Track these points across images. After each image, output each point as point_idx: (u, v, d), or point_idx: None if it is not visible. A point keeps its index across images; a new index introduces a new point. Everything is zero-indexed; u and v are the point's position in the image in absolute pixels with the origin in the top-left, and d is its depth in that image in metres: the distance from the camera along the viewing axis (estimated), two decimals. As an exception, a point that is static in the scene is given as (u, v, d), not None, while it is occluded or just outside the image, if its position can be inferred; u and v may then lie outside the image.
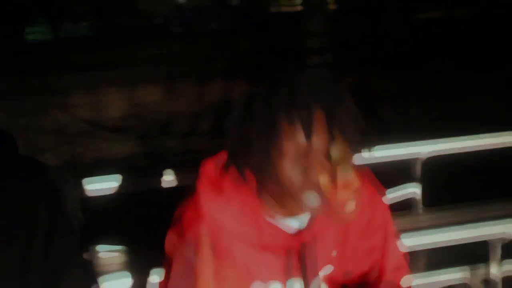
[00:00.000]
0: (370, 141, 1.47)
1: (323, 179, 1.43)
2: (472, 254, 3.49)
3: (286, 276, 1.60)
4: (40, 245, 1.57)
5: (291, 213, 1.56)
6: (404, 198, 3.69)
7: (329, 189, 1.44)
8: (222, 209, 1.55)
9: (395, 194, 3.69)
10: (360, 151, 1.47)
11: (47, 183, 1.68)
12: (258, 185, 1.51)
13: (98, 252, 3.01)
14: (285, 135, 1.42)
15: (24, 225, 1.57)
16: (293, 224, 1.59)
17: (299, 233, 1.59)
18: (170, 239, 1.60)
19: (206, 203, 1.56)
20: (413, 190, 3.70)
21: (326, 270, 1.67)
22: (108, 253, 3.05)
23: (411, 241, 3.27)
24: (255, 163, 1.47)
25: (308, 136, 1.40)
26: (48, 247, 1.58)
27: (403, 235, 3.20)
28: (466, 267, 3.47)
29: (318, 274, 1.65)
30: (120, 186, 3.15)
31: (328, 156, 1.43)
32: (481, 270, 3.42)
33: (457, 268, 3.48)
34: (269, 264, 1.58)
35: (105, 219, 4.24)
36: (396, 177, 3.72)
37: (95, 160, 6.86)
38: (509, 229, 3.25)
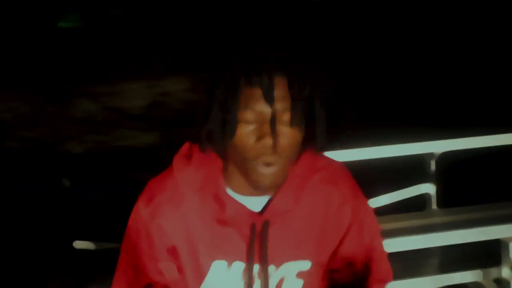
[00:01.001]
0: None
1: (275, 146, 1.47)
2: (485, 254, 3.47)
3: (249, 256, 1.60)
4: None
5: (253, 193, 1.57)
6: (417, 195, 3.69)
7: (282, 156, 1.48)
8: (185, 180, 1.59)
9: (408, 192, 3.69)
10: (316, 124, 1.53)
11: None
12: (221, 158, 1.57)
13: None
14: (245, 100, 1.47)
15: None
16: (255, 203, 1.60)
17: (262, 211, 1.60)
18: (134, 208, 1.63)
19: (175, 174, 1.60)
20: (426, 188, 3.69)
21: (303, 266, 1.64)
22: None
23: (423, 240, 3.28)
24: (216, 131, 1.51)
25: (269, 98, 1.45)
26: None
27: (416, 233, 3.25)
28: (478, 267, 3.44)
29: (281, 262, 1.63)
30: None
31: (286, 123, 1.48)
32: (493, 270, 3.40)
33: (469, 268, 3.46)
34: (232, 241, 1.59)
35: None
36: (411, 176, 3.71)
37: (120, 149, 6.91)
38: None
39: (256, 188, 1.54)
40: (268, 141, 1.47)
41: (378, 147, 3.41)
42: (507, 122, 3.92)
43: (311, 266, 1.65)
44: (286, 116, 1.49)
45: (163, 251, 1.59)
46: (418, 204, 3.70)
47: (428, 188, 3.68)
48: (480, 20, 11.60)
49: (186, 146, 1.65)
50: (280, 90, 1.47)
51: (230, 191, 1.59)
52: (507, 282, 3.29)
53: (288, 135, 1.50)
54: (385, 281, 1.74)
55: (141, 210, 1.61)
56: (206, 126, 1.52)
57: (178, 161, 1.62)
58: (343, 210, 1.66)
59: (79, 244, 3.00)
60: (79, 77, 9.72)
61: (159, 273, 1.60)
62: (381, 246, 1.76)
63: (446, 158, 3.66)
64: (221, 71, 1.51)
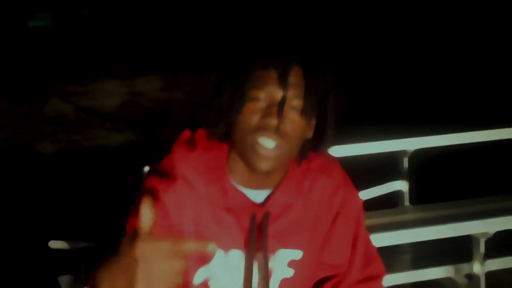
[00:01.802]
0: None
1: (279, 128, 1.47)
2: (457, 250, 3.52)
3: (249, 246, 1.60)
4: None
5: (255, 185, 1.59)
6: (390, 192, 3.72)
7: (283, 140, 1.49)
8: (191, 164, 1.58)
9: (381, 189, 3.72)
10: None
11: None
12: (226, 152, 1.57)
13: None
14: (258, 80, 1.48)
15: None
16: (257, 196, 1.61)
17: (263, 203, 1.61)
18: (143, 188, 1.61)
19: (177, 157, 1.60)
20: (399, 185, 3.73)
21: (294, 255, 1.66)
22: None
23: (396, 236, 3.31)
24: (224, 108, 1.52)
25: (283, 80, 1.47)
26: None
27: (389, 230, 3.28)
28: (450, 263, 3.49)
29: (276, 252, 1.64)
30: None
31: (296, 109, 1.49)
32: (464, 266, 3.45)
33: (441, 264, 3.50)
34: (231, 230, 1.59)
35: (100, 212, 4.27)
36: (384, 173, 3.75)
37: (92, 148, 6.88)
38: (491, 226, 3.28)
39: (254, 170, 1.53)
40: (273, 121, 1.47)
41: (350, 145, 3.43)
42: (480, 119, 3.96)
43: (303, 256, 1.66)
44: (296, 103, 1.49)
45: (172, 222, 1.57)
46: (391, 201, 3.74)
47: (401, 185, 3.72)
48: (465, 19, 11.69)
49: (186, 134, 1.65)
50: (295, 77, 1.48)
51: (233, 183, 1.60)
52: (478, 278, 3.33)
53: (295, 122, 1.51)
54: (378, 277, 1.76)
55: (152, 187, 1.58)
56: (216, 103, 1.53)
57: (179, 147, 1.62)
58: (334, 198, 1.68)
59: (54, 244, 2.98)
60: (50, 77, 9.64)
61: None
62: (368, 239, 1.78)
63: (419, 156, 3.70)
64: (238, 52, 1.52)
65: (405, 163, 3.71)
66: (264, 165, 1.51)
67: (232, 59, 1.53)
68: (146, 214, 1.19)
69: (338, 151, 3.43)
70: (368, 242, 1.77)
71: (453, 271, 3.45)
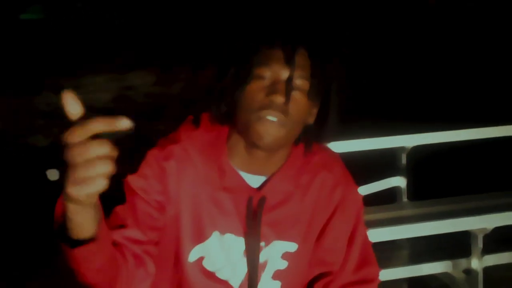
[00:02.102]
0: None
1: (284, 105, 1.48)
2: (453, 245, 3.56)
3: (245, 229, 1.60)
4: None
5: (253, 170, 1.59)
6: (388, 188, 3.75)
7: (288, 118, 1.49)
8: (193, 141, 1.59)
9: (380, 185, 3.75)
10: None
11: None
12: (226, 133, 1.58)
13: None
14: (264, 58, 1.49)
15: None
16: (254, 181, 1.61)
17: (260, 187, 1.61)
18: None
19: (183, 135, 1.60)
20: (397, 181, 3.76)
21: (289, 248, 1.65)
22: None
23: (394, 232, 3.34)
24: (229, 85, 1.52)
25: (289, 59, 1.47)
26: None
27: (387, 225, 3.30)
28: (447, 258, 3.52)
29: (271, 241, 1.63)
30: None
31: (302, 90, 1.49)
32: (462, 261, 3.48)
33: (439, 259, 3.53)
34: (228, 211, 1.59)
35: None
36: (382, 169, 3.78)
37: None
38: (490, 221, 3.31)
39: (256, 147, 1.53)
40: (279, 98, 1.47)
41: (349, 141, 3.45)
42: (478, 117, 4.00)
43: (297, 249, 1.64)
44: (302, 83, 1.49)
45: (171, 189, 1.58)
46: (389, 197, 3.77)
47: (399, 181, 3.75)
48: (465, 19, 11.74)
49: (190, 117, 1.65)
50: (301, 58, 1.49)
51: (232, 165, 1.60)
52: (476, 273, 3.37)
53: (299, 102, 1.50)
54: (372, 281, 1.71)
55: (155, 153, 1.59)
56: (221, 82, 1.53)
57: (185, 126, 1.63)
58: (333, 194, 1.66)
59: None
60: (42, 70, 9.61)
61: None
62: (366, 236, 1.73)
63: (417, 152, 3.73)
64: (243, 31, 1.53)
65: (403, 160, 3.75)
66: (266, 140, 1.50)
67: (238, 38, 1.53)
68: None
69: (338, 147, 3.47)
70: (366, 243, 1.73)
71: (451, 266, 3.49)
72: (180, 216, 1.58)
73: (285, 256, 1.64)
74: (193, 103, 7.90)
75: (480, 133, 3.63)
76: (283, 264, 1.64)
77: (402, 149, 3.70)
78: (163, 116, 7.67)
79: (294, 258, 1.65)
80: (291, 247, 1.64)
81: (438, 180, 4.72)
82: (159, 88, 9.18)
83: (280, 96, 1.47)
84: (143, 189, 1.56)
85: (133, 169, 1.62)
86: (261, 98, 1.49)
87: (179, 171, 1.57)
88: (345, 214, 1.68)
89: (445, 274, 3.54)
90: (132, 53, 10.80)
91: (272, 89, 1.48)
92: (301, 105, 1.50)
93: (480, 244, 3.34)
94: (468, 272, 3.43)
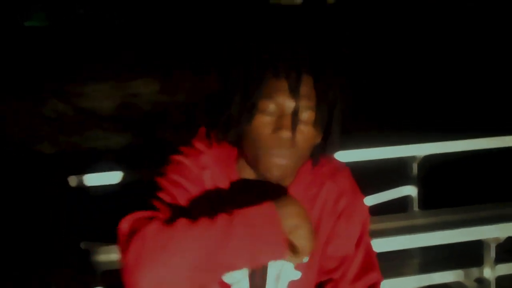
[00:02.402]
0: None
1: (291, 140, 1.48)
2: (464, 254, 3.55)
3: None
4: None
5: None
6: (399, 197, 3.75)
7: (296, 151, 1.50)
8: (207, 160, 1.60)
9: (390, 194, 3.75)
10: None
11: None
12: (236, 147, 1.59)
13: (95, 246, 3.03)
14: (268, 90, 1.48)
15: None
16: None
17: None
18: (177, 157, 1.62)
19: (197, 151, 1.61)
20: (408, 190, 3.75)
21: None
22: (105, 248, 3.07)
23: (405, 241, 3.33)
24: (234, 117, 1.52)
25: (294, 91, 1.46)
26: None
27: (398, 234, 3.30)
28: (459, 267, 3.52)
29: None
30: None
31: (307, 121, 1.49)
32: (474, 270, 3.48)
33: (451, 268, 3.53)
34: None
35: (102, 212, 4.27)
36: (394, 178, 3.78)
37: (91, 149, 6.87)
38: (503, 231, 3.31)
39: (265, 178, 1.56)
40: (286, 134, 1.48)
41: (360, 150, 3.45)
42: (490, 126, 4.00)
43: (308, 259, 1.65)
44: (308, 115, 1.50)
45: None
46: (400, 206, 3.77)
47: (410, 191, 3.75)
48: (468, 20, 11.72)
49: (202, 131, 1.66)
50: (306, 87, 1.48)
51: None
52: (488, 282, 3.37)
53: (307, 133, 1.52)
54: (375, 286, 1.73)
55: (189, 161, 1.59)
56: (225, 112, 1.53)
57: (198, 142, 1.64)
58: (338, 203, 1.69)
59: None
60: (47, 77, 9.62)
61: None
62: (370, 246, 1.76)
63: (428, 161, 3.73)
64: (247, 60, 1.51)
65: (415, 169, 3.74)
66: (275, 173, 1.53)
67: (240, 69, 1.52)
68: None
69: (348, 156, 3.47)
70: (370, 251, 1.76)
71: (463, 275, 3.49)
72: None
73: (298, 267, 1.66)
74: (197, 111, 7.94)
75: (491, 142, 3.62)
76: (296, 275, 1.66)
77: (413, 158, 3.70)
78: (169, 124, 7.68)
79: (306, 268, 1.67)
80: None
81: (449, 189, 4.72)
82: (163, 96, 9.19)
83: (286, 131, 1.48)
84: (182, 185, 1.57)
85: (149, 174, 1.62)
86: (267, 133, 1.50)
87: (199, 189, 1.59)
88: (349, 222, 1.71)
89: (457, 283, 3.53)
90: (135, 60, 10.81)
91: (278, 125, 1.49)
92: (308, 135, 1.53)
93: (493, 253, 3.33)
94: (481, 281, 3.43)
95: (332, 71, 1.52)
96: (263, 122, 1.50)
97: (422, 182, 3.77)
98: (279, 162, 1.51)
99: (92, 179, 3.14)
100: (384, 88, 8.76)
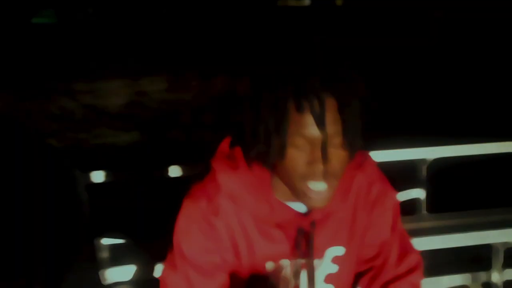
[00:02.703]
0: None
1: (327, 169, 1.48)
2: (472, 258, 3.55)
3: (294, 253, 1.66)
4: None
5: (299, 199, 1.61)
6: (407, 200, 3.75)
7: (332, 179, 1.51)
8: (237, 183, 1.61)
9: (399, 197, 3.74)
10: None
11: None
12: (268, 172, 1.60)
13: (103, 243, 3.04)
14: (294, 125, 1.47)
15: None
16: (301, 206, 1.64)
17: (309, 212, 1.65)
18: (188, 206, 1.64)
19: (221, 176, 1.62)
20: (417, 193, 3.76)
21: (338, 252, 1.71)
22: (112, 244, 3.08)
23: (414, 244, 3.32)
24: (263, 154, 1.53)
25: (320, 124, 1.45)
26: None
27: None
28: (466, 271, 3.52)
29: (324, 253, 1.69)
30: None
31: (337, 145, 1.48)
32: (481, 274, 3.48)
33: (459, 272, 3.53)
34: (281, 242, 1.65)
35: (109, 210, 4.28)
36: (402, 181, 3.78)
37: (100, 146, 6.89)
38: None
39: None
40: (319, 166, 1.48)
41: (370, 153, 3.45)
42: (500, 130, 4.00)
43: (345, 252, 1.72)
44: (337, 140, 1.49)
45: (226, 244, 1.63)
46: (408, 209, 3.77)
47: (419, 193, 3.76)
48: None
49: (225, 147, 1.67)
50: (330, 113, 1.46)
51: (278, 198, 1.63)
52: (496, 286, 3.37)
53: (339, 157, 1.51)
54: (416, 267, 1.80)
55: (201, 207, 1.62)
56: (255, 147, 1.53)
57: (220, 165, 1.64)
58: (370, 192, 1.73)
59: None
60: (56, 74, 9.65)
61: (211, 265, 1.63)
62: (403, 229, 1.83)
63: (437, 165, 3.73)
64: (266, 91, 1.48)
65: (424, 172, 3.75)
66: (319, 205, 1.54)
67: (261, 101, 1.49)
68: None
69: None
70: (404, 232, 1.83)
71: (471, 279, 3.49)
72: (240, 256, 1.65)
73: (335, 260, 1.72)
74: (205, 110, 7.95)
75: (501, 147, 3.63)
76: (334, 268, 1.73)
77: (423, 161, 3.70)
78: (177, 122, 7.70)
79: (344, 261, 1.73)
80: (339, 251, 1.72)
81: (458, 193, 4.72)
82: (171, 94, 9.21)
83: (319, 163, 1.48)
84: (195, 258, 1.63)
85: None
86: (301, 166, 1.50)
87: (228, 221, 1.62)
88: (382, 209, 1.76)
89: (464, 287, 3.53)
90: (144, 59, 10.83)
91: (310, 158, 1.49)
92: (341, 159, 1.52)
93: (501, 258, 3.34)
94: (488, 285, 3.43)
95: (352, 90, 1.49)
96: (296, 157, 1.50)
97: (431, 185, 3.77)
98: (317, 195, 1.52)
99: (99, 176, 3.15)
100: (394, 91, 8.76)
